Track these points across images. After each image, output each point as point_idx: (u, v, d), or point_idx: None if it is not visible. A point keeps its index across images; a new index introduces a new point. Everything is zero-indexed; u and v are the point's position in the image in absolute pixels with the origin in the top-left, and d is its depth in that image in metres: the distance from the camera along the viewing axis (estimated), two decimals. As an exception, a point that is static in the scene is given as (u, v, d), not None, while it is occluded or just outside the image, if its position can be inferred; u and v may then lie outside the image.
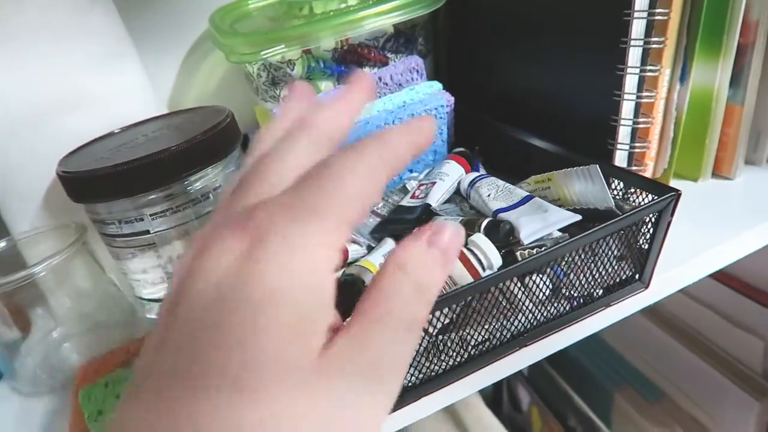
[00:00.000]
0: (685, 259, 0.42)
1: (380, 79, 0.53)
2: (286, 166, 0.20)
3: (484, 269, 0.35)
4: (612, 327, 0.41)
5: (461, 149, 0.53)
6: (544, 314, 0.36)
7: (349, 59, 0.55)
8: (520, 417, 0.83)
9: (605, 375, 0.73)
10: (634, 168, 0.47)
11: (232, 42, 0.51)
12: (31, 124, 0.45)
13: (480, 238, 0.36)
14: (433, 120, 0.22)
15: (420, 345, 0.33)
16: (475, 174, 0.47)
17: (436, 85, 0.54)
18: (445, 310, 0.33)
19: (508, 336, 0.35)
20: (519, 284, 0.35)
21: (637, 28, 0.42)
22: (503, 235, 0.37)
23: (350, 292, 0.37)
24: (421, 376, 0.34)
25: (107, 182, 0.39)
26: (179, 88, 0.64)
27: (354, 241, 0.43)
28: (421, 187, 0.47)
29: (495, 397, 0.84)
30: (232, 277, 0.16)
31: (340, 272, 0.41)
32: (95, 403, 0.34)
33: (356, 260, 0.41)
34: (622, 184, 0.42)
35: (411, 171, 0.53)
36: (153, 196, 0.40)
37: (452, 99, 0.53)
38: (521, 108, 0.55)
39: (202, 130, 0.41)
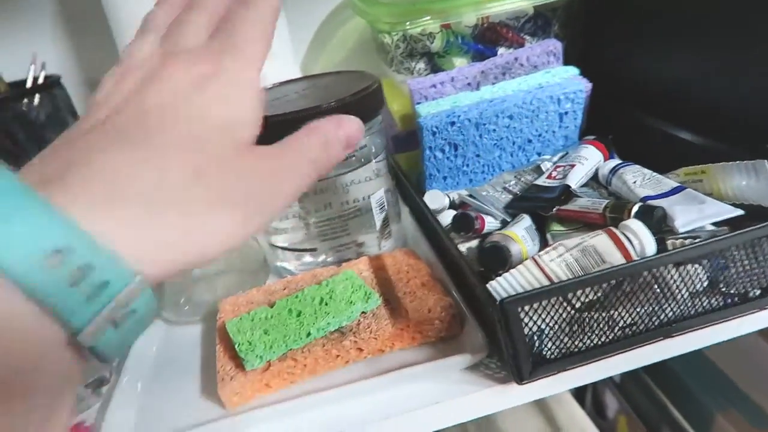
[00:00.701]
0: None
1: (516, 59, 0.53)
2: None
3: (637, 254, 0.34)
4: (718, 343, 0.39)
5: (594, 136, 0.51)
6: (696, 307, 0.35)
7: (488, 37, 0.55)
8: (604, 424, 0.81)
9: (707, 393, 0.69)
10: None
11: (377, 11, 0.52)
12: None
13: (635, 224, 0.35)
14: None
15: (563, 319, 0.33)
16: (617, 161, 0.46)
17: (573, 70, 0.53)
18: (592, 288, 0.33)
19: (656, 323, 0.34)
20: (674, 272, 0.33)
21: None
22: (656, 221, 0.36)
23: (495, 258, 0.38)
24: (564, 350, 0.33)
25: (269, 131, 0.41)
26: (311, 54, 0.66)
27: (489, 213, 0.43)
28: (558, 169, 0.46)
29: (577, 399, 0.81)
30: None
31: (482, 241, 0.41)
32: (244, 335, 0.36)
33: (492, 231, 0.42)
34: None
35: (539, 154, 0.53)
36: (303, 150, 0.42)
37: (590, 85, 0.52)
38: (660, 99, 0.53)
39: (350, 92, 0.43)
